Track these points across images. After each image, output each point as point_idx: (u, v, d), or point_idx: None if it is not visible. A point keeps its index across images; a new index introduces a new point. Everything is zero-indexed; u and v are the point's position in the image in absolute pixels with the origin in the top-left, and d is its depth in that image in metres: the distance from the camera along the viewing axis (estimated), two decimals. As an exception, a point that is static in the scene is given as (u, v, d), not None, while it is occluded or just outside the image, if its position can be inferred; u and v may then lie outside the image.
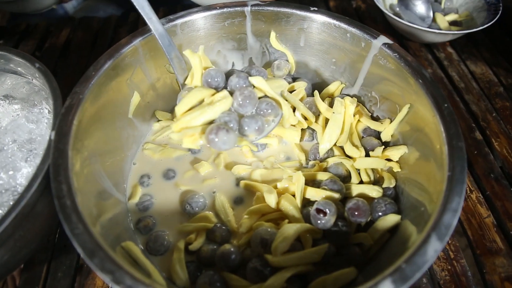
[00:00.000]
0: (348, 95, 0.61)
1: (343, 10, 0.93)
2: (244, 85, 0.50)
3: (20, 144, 0.55)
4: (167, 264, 0.48)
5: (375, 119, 0.58)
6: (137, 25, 0.91)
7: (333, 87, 0.62)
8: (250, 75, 0.52)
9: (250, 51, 0.63)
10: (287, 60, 0.63)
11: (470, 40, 0.86)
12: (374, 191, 0.49)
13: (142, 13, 0.49)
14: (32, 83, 0.57)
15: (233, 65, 0.64)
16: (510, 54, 0.82)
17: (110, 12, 1.05)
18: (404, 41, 0.85)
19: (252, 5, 0.57)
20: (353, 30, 0.55)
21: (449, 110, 0.45)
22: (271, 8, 0.58)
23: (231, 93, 0.49)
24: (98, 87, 0.48)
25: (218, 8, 0.57)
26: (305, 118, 0.57)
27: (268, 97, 0.51)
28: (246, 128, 0.47)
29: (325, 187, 0.48)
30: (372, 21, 0.90)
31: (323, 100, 0.59)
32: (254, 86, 0.50)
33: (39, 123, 0.57)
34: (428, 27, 0.82)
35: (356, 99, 0.58)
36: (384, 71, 0.54)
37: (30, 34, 0.90)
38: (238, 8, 0.58)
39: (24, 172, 0.52)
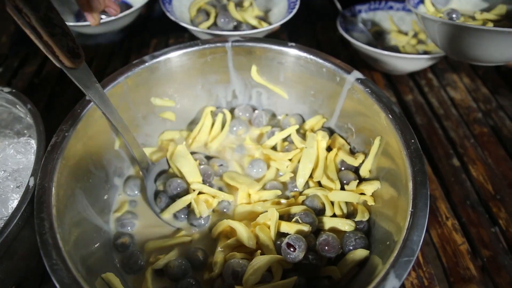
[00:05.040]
0: (329, 127, 0.64)
1: (330, 40, 0.96)
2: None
3: (10, 173, 0.57)
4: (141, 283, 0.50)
5: (352, 150, 0.61)
6: (130, 54, 0.94)
7: (314, 121, 0.64)
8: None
9: (233, 84, 0.66)
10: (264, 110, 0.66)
11: (451, 65, 0.88)
12: (346, 225, 0.50)
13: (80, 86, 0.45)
14: (26, 120, 0.60)
15: (217, 97, 0.67)
16: (488, 79, 0.85)
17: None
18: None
19: (233, 41, 0.60)
20: (328, 65, 0.58)
21: (416, 146, 0.47)
22: (251, 44, 0.60)
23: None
24: (84, 123, 0.51)
25: (200, 44, 0.60)
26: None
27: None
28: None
29: (298, 219, 0.50)
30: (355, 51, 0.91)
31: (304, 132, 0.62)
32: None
33: (26, 154, 0.59)
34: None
35: (327, 133, 0.60)
36: (358, 105, 0.56)
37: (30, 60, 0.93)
38: (219, 44, 0.60)
39: (15, 201, 0.54)
